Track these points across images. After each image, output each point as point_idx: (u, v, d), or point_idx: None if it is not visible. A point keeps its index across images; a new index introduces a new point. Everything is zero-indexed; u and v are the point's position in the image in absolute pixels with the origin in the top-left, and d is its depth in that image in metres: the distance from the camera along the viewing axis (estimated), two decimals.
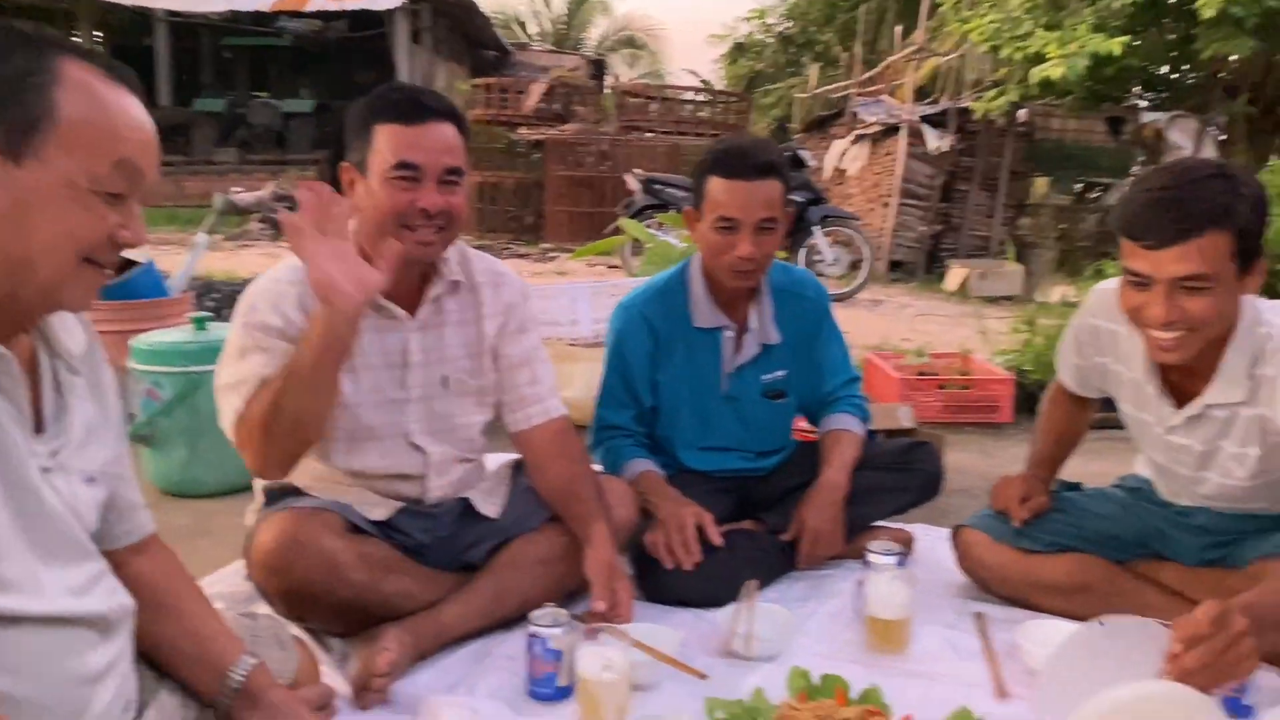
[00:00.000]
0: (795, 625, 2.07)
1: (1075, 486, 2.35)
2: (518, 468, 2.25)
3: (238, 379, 1.85)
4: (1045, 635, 1.99)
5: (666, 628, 1.99)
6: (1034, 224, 11.63)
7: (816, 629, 2.12)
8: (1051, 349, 4.01)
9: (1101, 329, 2.07)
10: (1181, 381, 1.95)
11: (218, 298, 5.70)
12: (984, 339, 4.70)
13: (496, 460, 2.29)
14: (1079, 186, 12.45)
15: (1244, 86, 10.38)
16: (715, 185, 2.25)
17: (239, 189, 12.35)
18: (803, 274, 2.55)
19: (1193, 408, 1.94)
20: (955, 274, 10.61)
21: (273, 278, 1.94)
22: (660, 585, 2.21)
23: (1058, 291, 10.85)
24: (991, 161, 11.19)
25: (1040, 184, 12.23)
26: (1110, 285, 2.02)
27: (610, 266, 10.16)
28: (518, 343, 2.14)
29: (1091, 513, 2.23)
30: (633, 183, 9.52)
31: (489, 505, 2.13)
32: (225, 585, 2.24)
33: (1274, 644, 1.66)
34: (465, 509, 2.11)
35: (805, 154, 9.59)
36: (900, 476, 2.46)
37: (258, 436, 1.80)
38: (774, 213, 2.25)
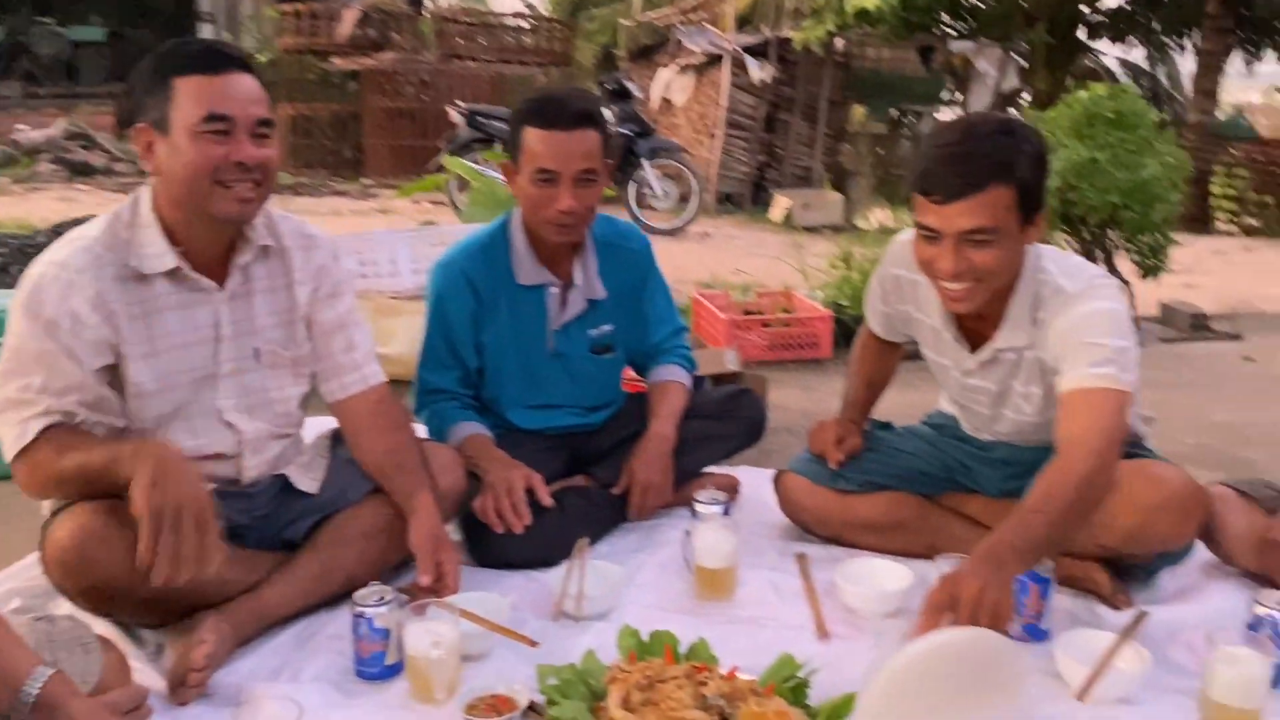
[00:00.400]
0: (626, 580, 2.10)
1: (887, 426, 2.46)
2: (336, 437, 2.18)
3: (18, 399, 1.73)
4: (860, 574, 2.10)
5: (496, 594, 1.98)
6: (852, 152, 11.98)
7: (647, 581, 2.16)
8: (866, 284, 4.17)
9: (903, 278, 2.15)
10: (975, 327, 2.06)
11: (5, 251, 5.23)
12: (805, 277, 4.84)
13: (313, 429, 2.21)
14: (895, 114, 12.87)
15: (1041, 15, 10.91)
16: (531, 136, 2.19)
17: (24, 126, 11.37)
18: (626, 226, 2.53)
19: (985, 352, 2.05)
20: (779, 204, 10.86)
21: (63, 263, 1.78)
22: (491, 550, 2.20)
23: (875, 217, 11.27)
24: (811, 91, 11.42)
25: (858, 112, 12.59)
26: (908, 236, 2.09)
27: (434, 203, 9.89)
28: (331, 308, 2.05)
29: (902, 451, 2.34)
30: (455, 116, 9.26)
31: (308, 480, 2.05)
32: (23, 580, 2.09)
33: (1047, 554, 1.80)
34: (284, 486, 2.03)
35: (632, 86, 9.52)
36: (726, 424, 2.51)
37: (40, 483, 1.76)
38: (593, 164, 2.21)
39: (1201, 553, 2.17)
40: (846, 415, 2.40)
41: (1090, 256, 4.94)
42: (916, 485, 2.31)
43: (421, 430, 2.32)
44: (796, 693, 1.65)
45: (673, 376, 2.51)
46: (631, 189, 9.19)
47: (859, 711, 1.42)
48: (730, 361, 3.11)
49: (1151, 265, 4.73)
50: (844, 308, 4.21)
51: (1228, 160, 12.17)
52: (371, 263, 3.88)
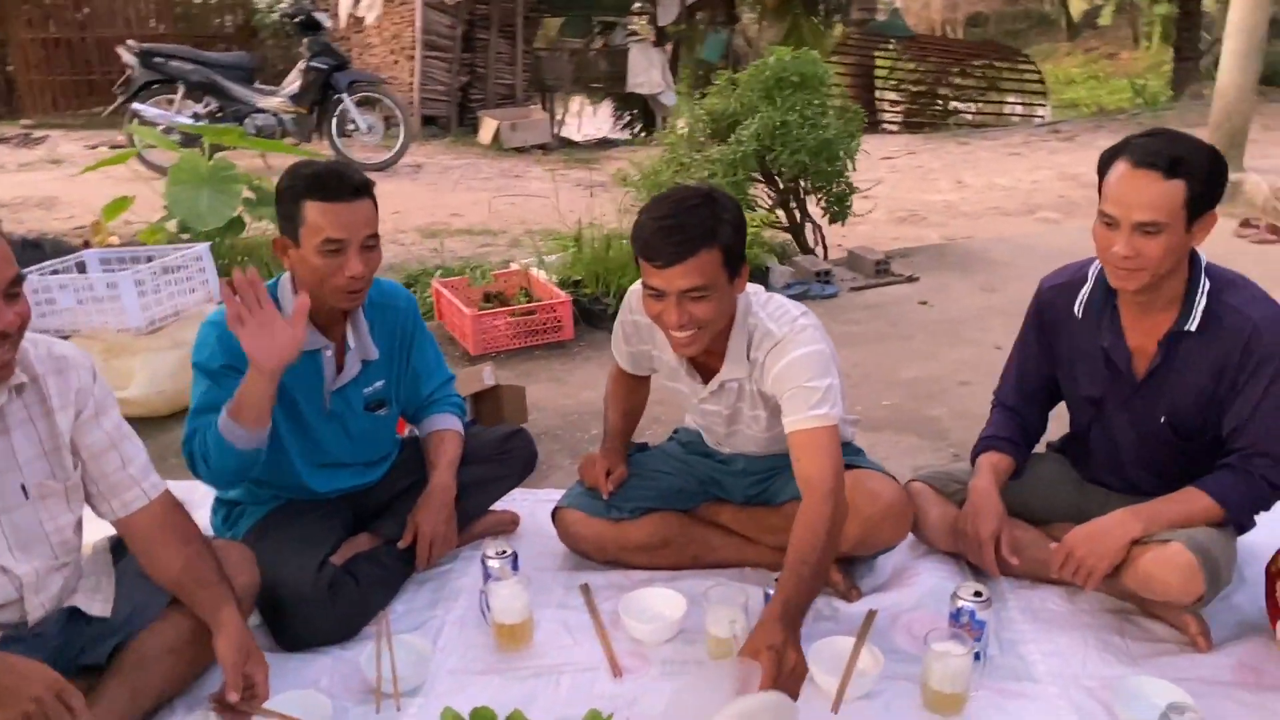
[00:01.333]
0: (431, 651, 2.25)
1: (644, 447, 2.74)
2: (116, 548, 2.16)
3: None
4: (639, 606, 2.37)
5: (313, 691, 2.09)
6: (552, 68, 12.03)
7: (450, 643, 2.32)
8: (599, 262, 4.39)
9: (640, 323, 2.44)
10: (704, 361, 2.37)
11: None
12: (546, 268, 4.99)
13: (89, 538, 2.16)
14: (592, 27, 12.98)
15: None
16: (314, 210, 2.22)
17: None
18: (392, 285, 2.60)
19: (714, 383, 2.38)
20: (487, 126, 10.81)
21: None
22: (292, 633, 2.28)
23: (582, 129, 11.40)
24: (506, 7, 11.30)
25: (552, 26, 12.61)
26: (640, 286, 2.36)
27: (114, 147, 9.05)
28: (98, 427, 2.01)
29: (660, 472, 2.63)
30: (128, 57, 8.46)
31: (98, 604, 2.04)
32: None
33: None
34: (71, 614, 2.01)
35: (322, 16, 9.06)
36: (502, 466, 2.69)
37: None
38: (375, 229, 2.29)
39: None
40: (609, 445, 2.65)
41: (786, 206, 5.42)
42: (676, 502, 2.61)
43: (207, 530, 2.32)
44: None
45: (447, 425, 2.64)
46: (333, 125, 8.85)
47: None
48: (487, 377, 3.25)
49: (837, 211, 5.27)
50: (580, 286, 4.41)
51: (889, 56, 13.29)
52: (87, 288, 3.63)
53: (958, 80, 13.67)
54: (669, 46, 12.77)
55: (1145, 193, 2.11)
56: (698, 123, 5.28)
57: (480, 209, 7.42)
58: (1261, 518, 2.37)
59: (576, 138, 12.35)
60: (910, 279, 5.02)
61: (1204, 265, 2.28)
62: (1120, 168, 2.16)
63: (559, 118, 11.78)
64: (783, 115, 4.89)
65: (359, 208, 2.25)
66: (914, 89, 13.68)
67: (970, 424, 3.37)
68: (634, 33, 12.57)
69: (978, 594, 2.21)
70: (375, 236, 2.30)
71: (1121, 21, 22.26)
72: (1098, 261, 2.40)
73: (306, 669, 2.20)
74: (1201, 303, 2.23)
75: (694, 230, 2.09)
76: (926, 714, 2.07)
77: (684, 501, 2.62)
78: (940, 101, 13.54)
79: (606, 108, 13.57)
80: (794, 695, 1.87)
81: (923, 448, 3.25)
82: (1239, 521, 2.34)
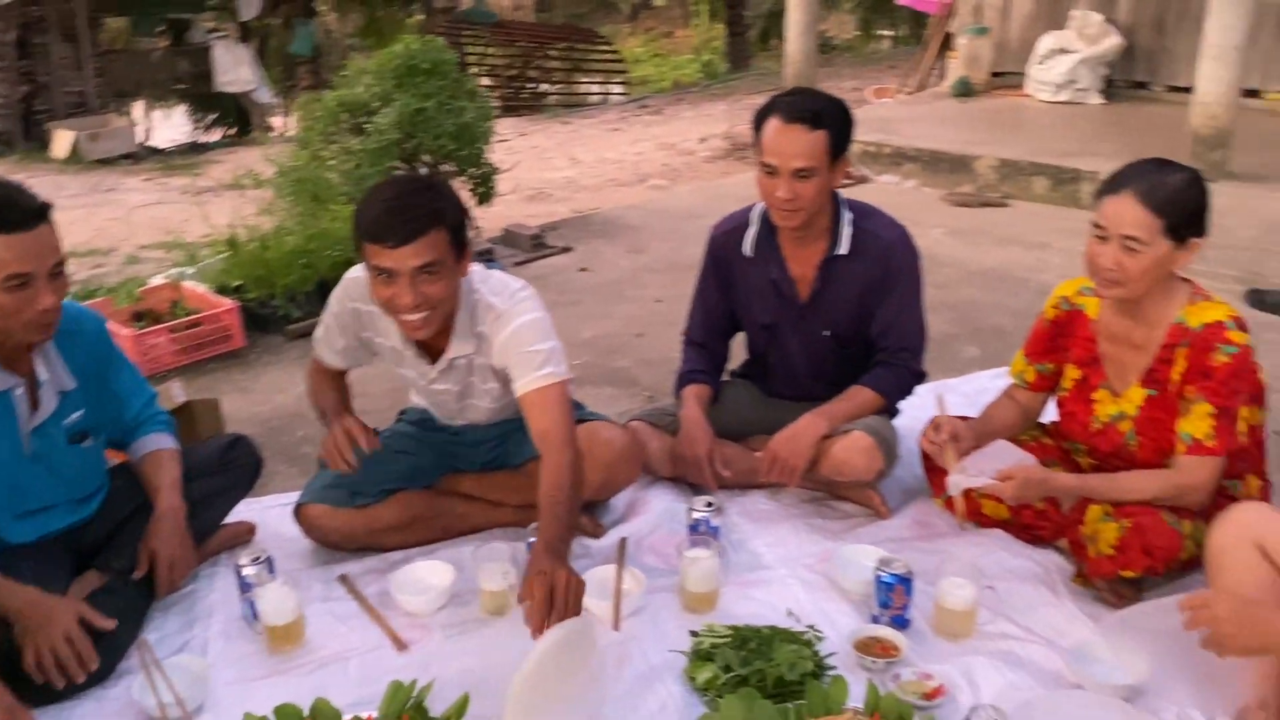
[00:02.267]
0: (205, 669, 2.17)
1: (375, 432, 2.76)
2: None
3: None
4: (408, 580, 2.43)
5: None
6: (129, 71, 11.06)
7: (218, 656, 2.25)
8: (258, 264, 4.24)
9: (360, 310, 2.46)
10: (431, 343, 2.45)
11: None
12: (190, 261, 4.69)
13: None
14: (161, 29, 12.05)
15: None
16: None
17: None
18: (77, 308, 2.40)
19: (442, 363, 2.47)
20: (60, 138, 9.77)
21: None
22: (39, 687, 2.10)
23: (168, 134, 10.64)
24: (64, 8, 10.21)
25: (115, 27, 11.56)
26: (356, 274, 2.43)
27: None
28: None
29: (399, 452, 2.67)
30: None
31: None
32: None
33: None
34: None
35: None
36: (228, 477, 2.60)
37: None
38: (60, 254, 2.13)
39: None
40: (341, 413, 2.53)
41: None
42: (419, 479, 2.67)
43: None
44: (419, 711, 1.98)
45: (161, 445, 2.50)
46: None
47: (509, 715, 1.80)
48: (177, 394, 3.08)
49: (484, 193, 5.44)
50: (244, 290, 4.23)
51: (478, 43, 13.56)
52: None
53: (545, 63, 14.27)
54: (255, 42, 12.19)
55: (797, 143, 2.49)
56: (329, 115, 5.19)
57: (80, 228, 6.76)
58: (904, 405, 2.89)
59: (163, 145, 11.47)
60: (565, 250, 5.31)
61: (843, 199, 2.72)
62: (773, 124, 2.53)
63: (142, 124, 10.87)
64: (419, 102, 4.96)
65: (41, 234, 2.08)
66: (506, 74, 14.10)
67: (654, 368, 3.72)
68: (215, 30, 11.85)
69: (709, 504, 2.51)
70: (61, 262, 2.14)
71: (673, 1, 24.24)
72: (759, 205, 2.78)
73: (68, 715, 2.06)
74: (847, 230, 2.67)
75: (422, 210, 2.18)
76: (688, 615, 2.34)
77: (425, 478, 2.69)
78: (531, 85, 14.07)
79: (183, 111, 12.67)
80: (577, 607, 2.00)
81: (620, 395, 3.54)
82: (892, 408, 2.84)
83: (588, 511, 2.69)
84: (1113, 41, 7.46)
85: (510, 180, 6.61)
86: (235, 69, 11.18)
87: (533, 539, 2.26)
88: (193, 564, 2.46)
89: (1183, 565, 2.31)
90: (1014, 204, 5.94)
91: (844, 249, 2.67)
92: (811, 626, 2.23)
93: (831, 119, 2.52)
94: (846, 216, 2.69)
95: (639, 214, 6.11)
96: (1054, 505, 2.54)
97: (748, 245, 2.79)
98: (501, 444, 2.74)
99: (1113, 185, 2.27)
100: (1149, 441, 2.39)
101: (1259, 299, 4.23)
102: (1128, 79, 7.67)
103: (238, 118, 12.15)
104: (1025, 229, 5.44)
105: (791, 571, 2.50)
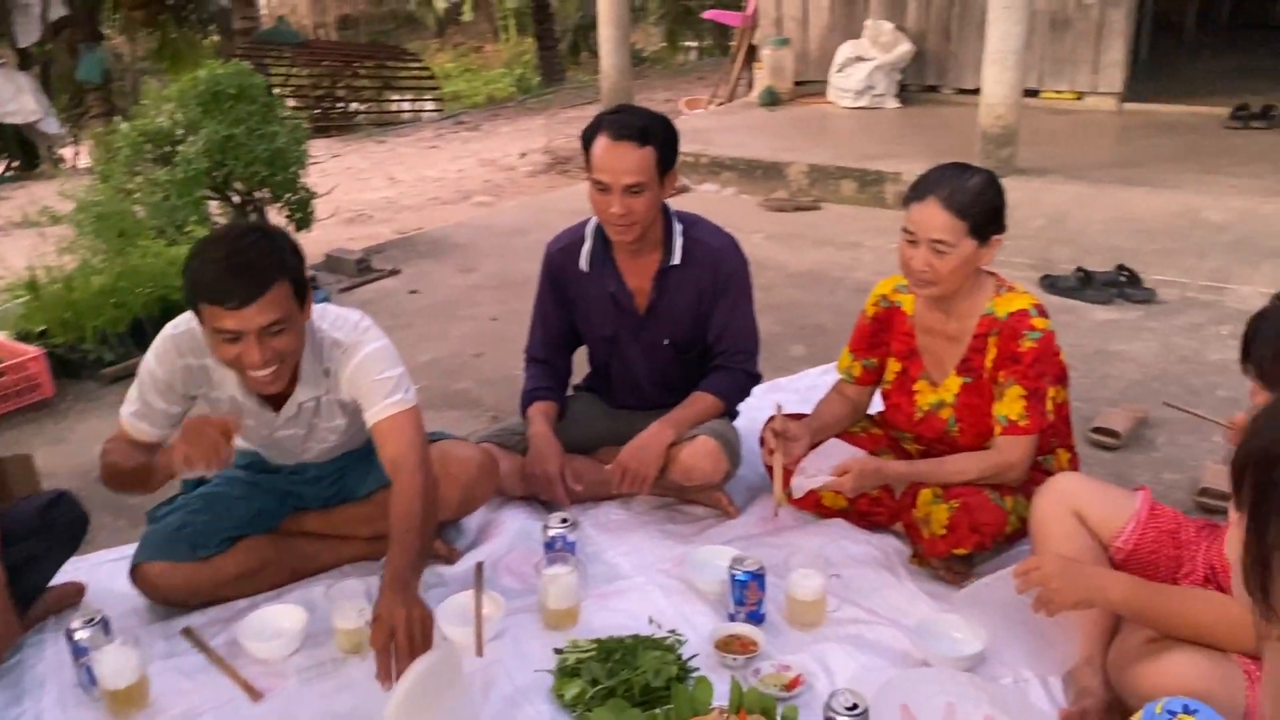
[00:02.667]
0: None
1: (201, 482, 2.63)
2: None
3: None
4: (256, 627, 2.35)
5: None
6: None
7: None
8: (64, 306, 3.99)
9: (194, 366, 2.34)
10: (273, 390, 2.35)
11: None
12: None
13: None
14: None
15: None
16: None
17: None
18: None
19: (289, 408, 2.39)
20: None
21: None
22: None
23: None
24: None
25: None
26: (184, 328, 2.31)
27: None
28: None
29: (236, 498, 2.57)
30: None
31: None
32: None
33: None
34: None
35: None
36: (50, 537, 2.43)
37: None
38: None
39: None
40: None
41: (245, 217, 5.31)
42: (260, 524, 2.58)
43: None
44: None
45: None
46: None
47: None
48: None
49: (301, 219, 5.29)
50: (49, 336, 3.96)
51: (283, 64, 13.13)
52: None
53: (354, 82, 13.95)
54: (36, 70, 11.38)
55: (626, 160, 2.55)
56: (130, 146, 4.93)
57: None
58: (742, 406, 2.99)
59: None
60: (393, 272, 5.21)
61: (673, 211, 2.80)
62: (602, 142, 2.58)
63: None
64: (228, 129, 4.78)
65: None
66: (313, 94, 13.70)
67: (496, 388, 3.71)
68: None
69: (564, 520, 2.53)
70: None
71: (480, 17, 24.13)
72: (593, 221, 2.82)
73: None
74: (679, 241, 2.75)
75: (262, 265, 2.08)
76: (551, 633, 2.35)
77: (267, 521, 2.60)
78: (340, 105, 13.72)
79: None
80: (426, 643, 1.97)
81: (464, 417, 3.51)
82: (732, 410, 2.94)
83: (441, 536, 2.67)
84: (904, 48, 7.92)
85: (328, 204, 6.44)
86: (16, 98, 10.40)
87: None
88: (17, 633, 2.30)
89: (1008, 539, 2.49)
90: (825, 207, 6.21)
91: (677, 259, 2.75)
92: (673, 631, 2.28)
93: (656, 135, 2.59)
94: (677, 227, 2.77)
95: (466, 232, 6.07)
96: (888, 492, 2.69)
97: (584, 260, 2.83)
98: (342, 478, 2.67)
99: (918, 192, 2.43)
100: (968, 426, 2.56)
101: (1051, 284, 4.58)
102: (920, 83, 8.15)
103: (22, 150, 11.32)
104: (837, 230, 5.70)
105: (649, 579, 2.55)
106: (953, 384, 2.57)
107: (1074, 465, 2.68)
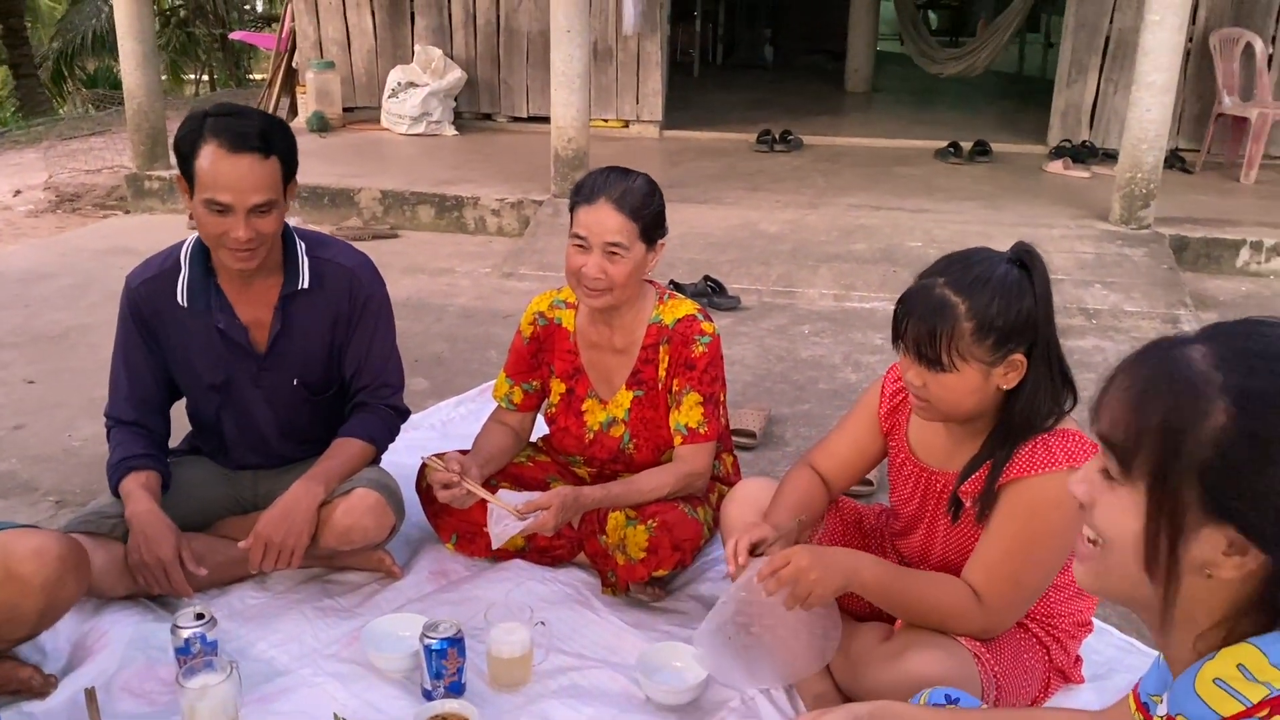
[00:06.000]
0: None
1: None
2: None
3: None
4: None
5: None
6: None
7: None
8: None
9: None
10: None
11: None
12: None
13: None
14: None
15: None
16: None
17: None
18: None
19: None
20: None
21: None
22: None
23: None
24: None
25: None
26: None
27: None
28: None
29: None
30: None
31: None
32: None
33: None
34: None
35: None
36: None
37: None
38: None
39: None
40: None
41: None
42: None
43: None
44: None
45: None
46: None
47: None
48: None
49: None
50: None
51: None
52: None
53: None
54: None
55: (252, 175, 2.13)
56: None
57: None
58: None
59: None
60: None
61: (293, 228, 2.37)
62: (214, 152, 2.12)
63: None
64: None
65: None
66: None
67: (53, 465, 2.96)
68: None
69: (199, 615, 2.02)
70: None
71: None
72: (187, 245, 2.33)
73: None
74: (305, 262, 2.34)
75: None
76: None
77: None
78: None
79: None
80: None
81: (17, 506, 2.69)
82: (381, 454, 2.55)
83: (15, 658, 2.01)
84: (456, 75, 7.81)
85: None
86: None
87: None
88: None
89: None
90: (404, 234, 5.90)
91: (305, 283, 2.33)
92: None
93: (278, 141, 2.19)
94: (300, 246, 2.36)
95: None
96: (568, 524, 2.47)
97: (181, 293, 2.31)
98: None
99: (584, 195, 2.27)
100: (644, 441, 2.44)
101: (678, 290, 4.66)
102: (474, 110, 8.09)
103: None
104: (424, 257, 5.42)
105: (316, 668, 2.10)
106: (624, 399, 2.43)
107: (737, 468, 2.67)
